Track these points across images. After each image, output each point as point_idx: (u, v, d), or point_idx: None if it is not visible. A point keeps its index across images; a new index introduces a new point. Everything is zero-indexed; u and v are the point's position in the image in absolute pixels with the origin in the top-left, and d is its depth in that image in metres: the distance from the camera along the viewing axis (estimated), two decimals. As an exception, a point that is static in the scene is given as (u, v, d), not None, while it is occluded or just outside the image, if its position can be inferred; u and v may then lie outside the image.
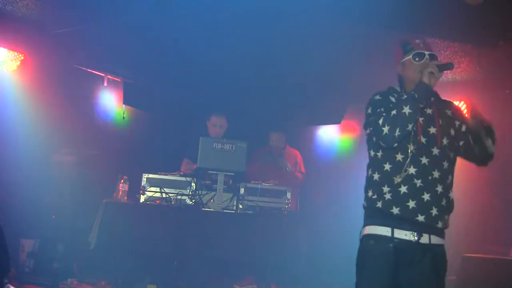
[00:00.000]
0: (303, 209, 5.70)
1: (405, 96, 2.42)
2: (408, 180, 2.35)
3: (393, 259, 2.33)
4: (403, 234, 2.34)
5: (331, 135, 7.17)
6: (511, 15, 4.14)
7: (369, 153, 2.54)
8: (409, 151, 2.37)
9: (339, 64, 5.30)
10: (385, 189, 2.39)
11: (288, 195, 4.75)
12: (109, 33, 5.24)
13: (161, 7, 4.58)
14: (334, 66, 5.42)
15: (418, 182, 2.35)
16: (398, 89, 2.55)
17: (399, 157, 2.38)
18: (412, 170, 2.36)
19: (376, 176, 2.44)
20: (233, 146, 4.55)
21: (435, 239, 2.38)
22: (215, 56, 5.54)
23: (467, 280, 4.57)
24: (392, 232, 2.35)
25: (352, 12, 4.24)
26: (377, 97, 2.50)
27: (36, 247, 5.44)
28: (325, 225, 5.69)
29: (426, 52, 2.46)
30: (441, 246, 2.42)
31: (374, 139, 2.43)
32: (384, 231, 2.37)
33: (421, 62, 2.44)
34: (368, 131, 2.49)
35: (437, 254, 2.39)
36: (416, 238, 2.34)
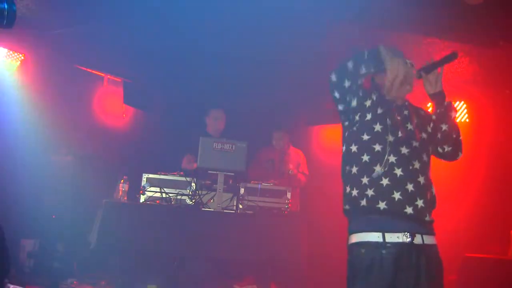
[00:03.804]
0: (303, 209, 5.70)
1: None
2: (389, 170, 2.33)
3: (388, 265, 2.26)
4: (395, 237, 2.28)
5: (331, 135, 7.17)
6: (511, 15, 4.14)
7: (344, 149, 2.50)
8: (389, 141, 2.36)
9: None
10: (364, 180, 2.34)
11: (288, 195, 4.75)
12: (109, 33, 5.24)
13: (160, 7, 4.58)
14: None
15: (399, 172, 2.32)
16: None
17: (378, 147, 2.36)
18: (392, 158, 2.34)
19: (354, 170, 2.40)
20: (233, 146, 4.55)
21: (428, 239, 2.34)
22: (216, 56, 5.54)
23: (467, 280, 4.57)
24: (383, 237, 2.28)
25: (352, 12, 4.24)
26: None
27: (36, 247, 5.44)
28: (326, 225, 5.69)
29: (408, 61, 2.53)
30: (434, 247, 2.38)
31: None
32: (375, 237, 2.29)
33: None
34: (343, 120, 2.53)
35: (431, 256, 2.35)
36: (409, 238, 2.28)
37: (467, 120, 5.91)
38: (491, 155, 5.55)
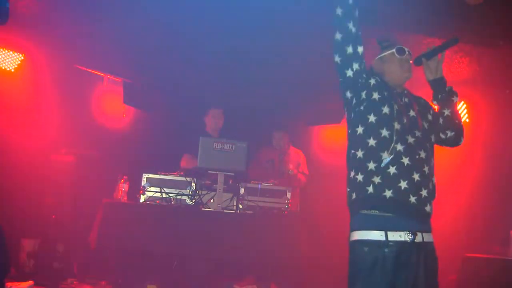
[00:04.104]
0: (303, 209, 5.70)
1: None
2: (396, 158, 2.34)
3: (390, 264, 2.28)
4: (397, 236, 2.30)
5: (331, 135, 7.17)
6: (511, 15, 4.14)
7: (349, 132, 2.50)
8: (395, 128, 2.38)
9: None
10: (371, 165, 2.35)
11: (288, 195, 4.75)
12: (109, 33, 5.24)
13: (160, 7, 4.58)
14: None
15: (406, 161, 2.34)
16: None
17: (385, 133, 2.37)
18: (400, 147, 2.36)
19: (360, 154, 2.40)
20: (233, 146, 4.55)
21: (427, 237, 2.38)
22: (216, 56, 5.54)
23: (467, 280, 4.57)
24: (386, 236, 2.30)
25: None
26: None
27: (36, 247, 5.44)
28: (325, 224, 5.69)
29: (406, 48, 2.59)
30: (432, 244, 2.41)
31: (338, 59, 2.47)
32: (378, 235, 2.30)
33: (403, 56, 2.57)
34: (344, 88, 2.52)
35: (429, 253, 2.38)
36: (411, 237, 2.31)
37: (467, 120, 5.91)
38: (491, 154, 5.54)
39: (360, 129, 2.43)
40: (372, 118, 2.41)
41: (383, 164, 2.33)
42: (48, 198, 5.66)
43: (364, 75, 2.47)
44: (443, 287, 2.43)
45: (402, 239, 2.30)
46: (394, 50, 2.57)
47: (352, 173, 2.42)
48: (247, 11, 4.46)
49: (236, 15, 4.56)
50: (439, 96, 2.62)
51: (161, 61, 5.86)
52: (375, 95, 2.45)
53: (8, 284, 4.35)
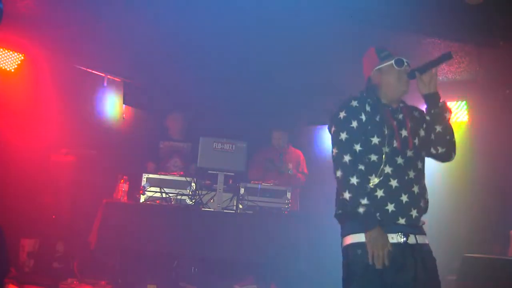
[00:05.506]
0: (303, 209, 5.70)
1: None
2: (384, 181, 2.34)
3: (384, 266, 2.27)
4: (390, 238, 2.30)
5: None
6: (511, 15, 4.14)
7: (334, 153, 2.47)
8: (384, 151, 2.36)
9: (340, 64, 5.31)
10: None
11: (288, 195, 4.76)
12: (109, 33, 5.24)
13: (160, 7, 4.58)
14: (335, 66, 5.42)
15: (394, 183, 2.34)
16: (369, 101, 2.49)
17: (374, 157, 2.37)
18: (388, 169, 2.35)
19: None
20: (233, 146, 4.55)
21: (421, 239, 2.37)
22: (217, 57, 5.54)
23: (467, 280, 4.57)
24: None
25: (352, 13, 4.24)
26: (343, 114, 2.46)
27: (36, 247, 5.44)
28: (326, 225, 5.67)
29: (404, 60, 2.54)
30: (427, 245, 2.41)
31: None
32: None
33: (402, 68, 2.52)
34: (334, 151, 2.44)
35: (426, 255, 2.37)
36: (403, 238, 2.31)
37: (467, 120, 5.90)
38: (491, 154, 5.54)
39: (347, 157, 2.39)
40: (359, 147, 2.39)
41: (369, 186, 2.33)
42: (48, 198, 5.66)
43: (363, 127, 2.43)
44: (443, 287, 2.43)
45: (395, 240, 2.31)
46: (392, 61, 2.53)
47: (341, 197, 2.40)
48: (248, 12, 4.46)
49: (236, 15, 4.56)
50: (432, 111, 2.55)
51: (161, 61, 5.86)
52: (369, 126, 2.42)
53: (9, 286, 4.36)
